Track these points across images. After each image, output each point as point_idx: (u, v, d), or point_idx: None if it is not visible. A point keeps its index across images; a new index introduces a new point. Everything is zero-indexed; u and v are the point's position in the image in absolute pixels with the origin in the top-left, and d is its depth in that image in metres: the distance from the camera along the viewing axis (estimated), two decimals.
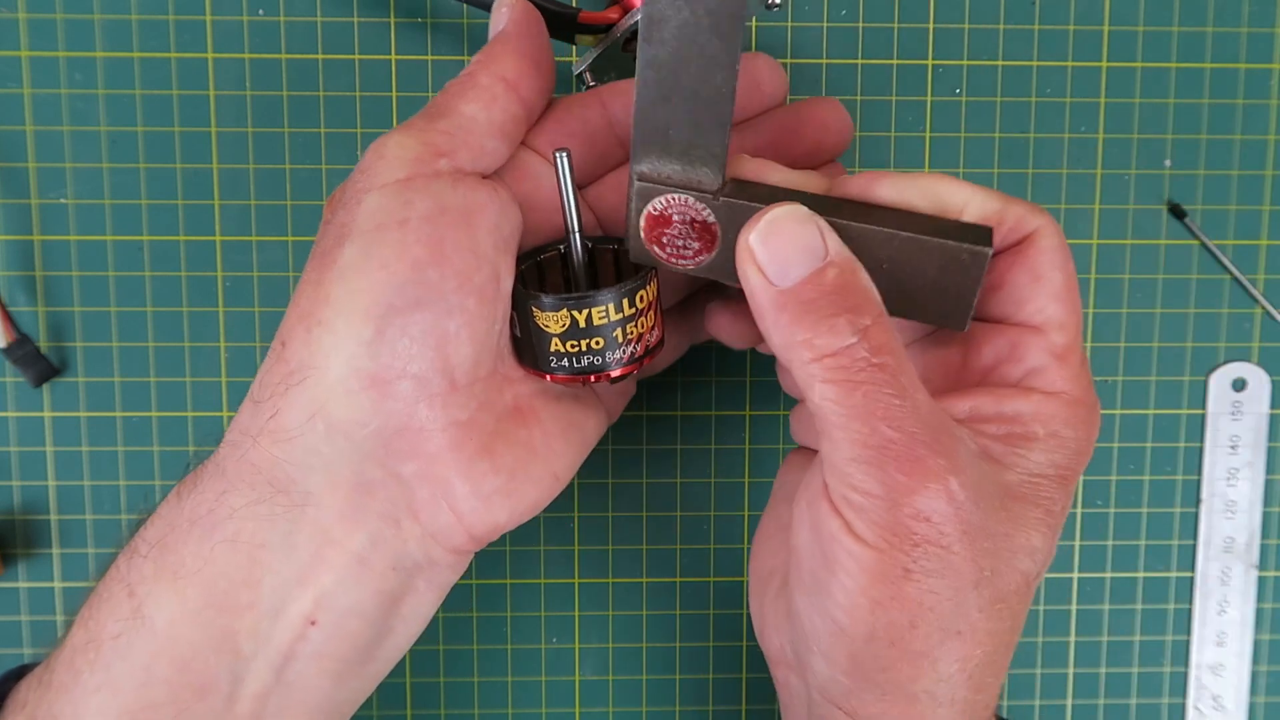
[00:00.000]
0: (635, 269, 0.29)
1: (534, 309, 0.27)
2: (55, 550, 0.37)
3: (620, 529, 0.38)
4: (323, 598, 0.26)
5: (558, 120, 0.30)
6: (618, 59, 0.33)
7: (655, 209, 0.27)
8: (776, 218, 0.25)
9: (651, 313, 0.28)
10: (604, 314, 0.27)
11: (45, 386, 0.36)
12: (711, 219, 0.26)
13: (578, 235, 0.28)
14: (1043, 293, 0.26)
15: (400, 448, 0.26)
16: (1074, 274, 0.26)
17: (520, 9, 0.29)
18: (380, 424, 0.25)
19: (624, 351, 0.28)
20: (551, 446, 0.28)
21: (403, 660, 0.38)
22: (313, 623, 0.26)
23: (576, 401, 0.30)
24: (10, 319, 0.35)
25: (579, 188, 0.30)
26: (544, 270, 0.30)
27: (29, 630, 0.37)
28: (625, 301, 0.27)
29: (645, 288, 0.28)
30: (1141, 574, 0.38)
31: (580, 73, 0.33)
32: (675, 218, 0.27)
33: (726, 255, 0.26)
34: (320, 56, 0.35)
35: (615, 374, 0.28)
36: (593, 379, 0.28)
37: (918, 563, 0.24)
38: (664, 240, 0.27)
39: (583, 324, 0.27)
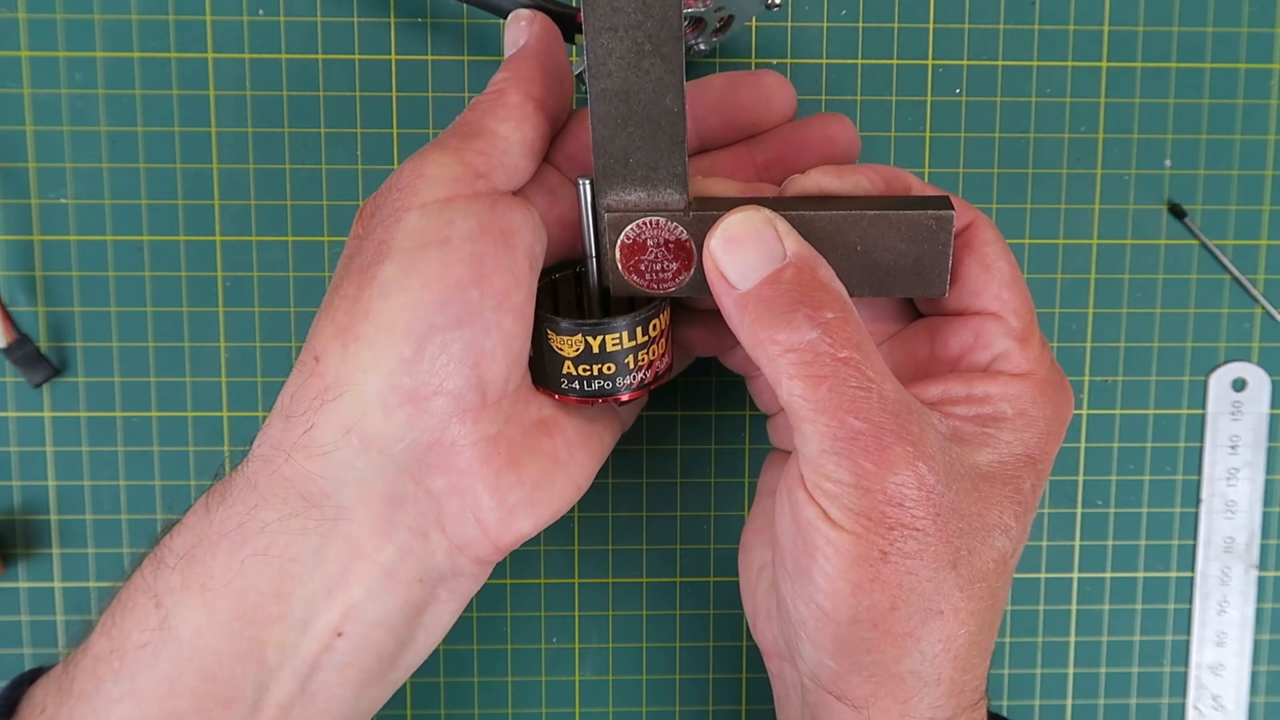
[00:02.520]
0: (648, 297, 0.29)
1: (549, 331, 0.28)
2: (55, 550, 0.37)
3: (620, 529, 0.38)
4: (351, 610, 0.26)
5: (572, 135, 0.30)
6: None
7: (629, 237, 0.27)
8: (733, 223, 0.26)
9: (663, 340, 0.29)
10: (617, 341, 0.28)
11: (45, 386, 0.36)
12: (685, 235, 0.27)
13: (596, 261, 0.29)
14: (994, 281, 0.27)
15: (432, 462, 0.26)
16: (1015, 263, 0.28)
17: (540, 23, 0.29)
18: (414, 439, 0.26)
19: (634, 377, 0.28)
20: (574, 456, 0.29)
21: None
22: (340, 634, 0.26)
23: (594, 413, 0.30)
24: (10, 319, 0.35)
25: None
26: (557, 289, 0.30)
27: (29, 630, 0.37)
28: (639, 329, 0.28)
29: (659, 316, 0.28)
30: (1141, 574, 0.38)
31: (580, 73, 0.33)
32: (649, 242, 0.27)
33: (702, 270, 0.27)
34: (320, 56, 0.35)
35: (624, 398, 0.29)
36: (600, 401, 0.28)
37: (894, 545, 0.24)
38: (642, 267, 0.28)
39: (596, 349, 0.28)
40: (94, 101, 0.35)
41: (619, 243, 0.27)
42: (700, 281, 0.27)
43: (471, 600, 0.37)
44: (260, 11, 0.35)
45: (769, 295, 0.25)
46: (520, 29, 0.29)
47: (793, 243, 0.26)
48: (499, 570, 0.37)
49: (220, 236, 0.36)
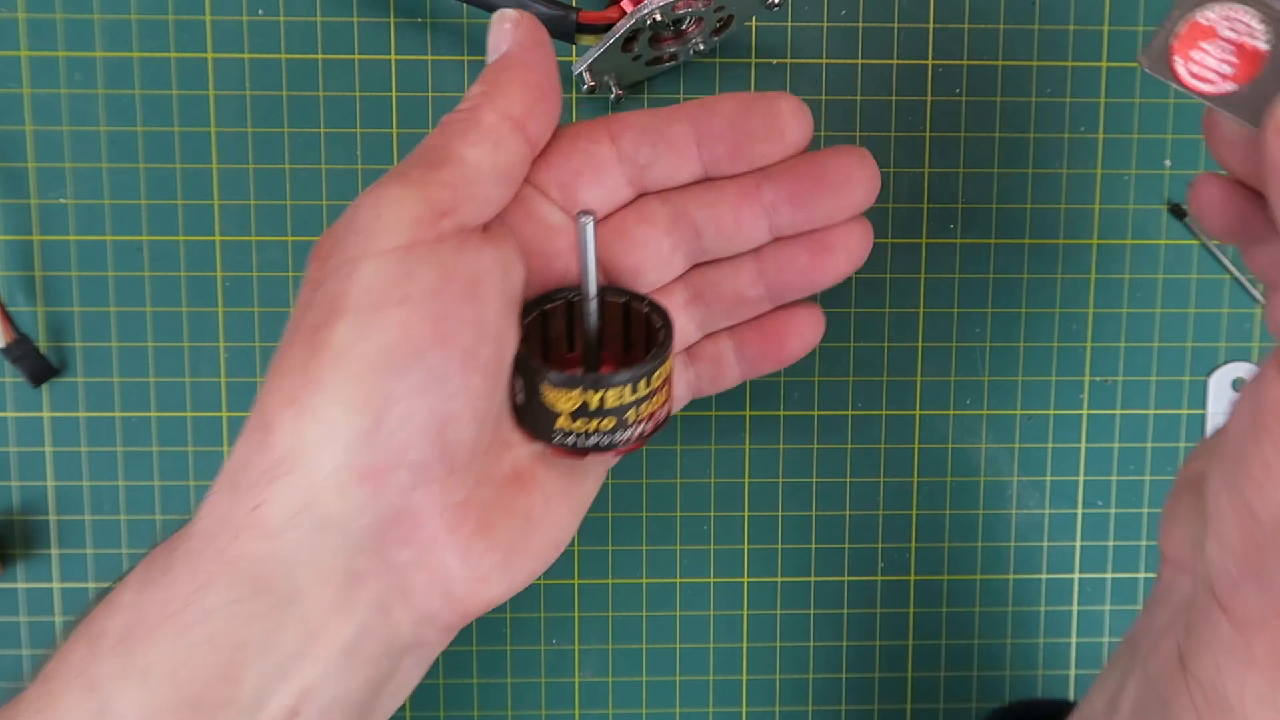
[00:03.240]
0: (644, 333, 0.27)
1: (542, 385, 0.25)
2: (54, 551, 0.37)
3: (620, 529, 0.38)
4: (307, 692, 0.24)
5: (563, 154, 0.27)
6: (617, 59, 0.33)
7: (1207, 18, 0.24)
8: None
9: (665, 389, 0.27)
10: (619, 396, 0.25)
11: (45, 386, 0.36)
12: (1265, 46, 0.24)
13: (594, 301, 0.27)
14: None
15: (394, 536, 0.24)
16: None
17: (526, 26, 0.26)
18: (374, 515, 0.23)
19: (634, 431, 0.26)
20: (552, 512, 0.27)
21: None
22: (295, 715, 0.24)
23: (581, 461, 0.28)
24: (10, 319, 0.35)
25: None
26: (548, 321, 0.28)
27: (27, 631, 0.37)
28: (643, 382, 0.26)
29: (663, 365, 0.26)
30: (1143, 575, 0.38)
31: (580, 73, 0.33)
32: (1224, 33, 0.24)
33: (1261, 92, 0.23)
34: (320, 56, 0.35)
35: (621, 451, 0.27)
36: (592, 454, 0.27)
37: None
38: (1193, 55, 0.24)
39: (594, 406, 0.25)
40: (94, 101, 0.35)
41: (1192, 19, 0.24)
42: (1245, 101, 0.24)
43: None
44: (260, 11, 0.35)
45: None
46: (503, 33, 0.26)
47: None
48: None
49: (220, 236, 0.36)
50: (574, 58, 0.35)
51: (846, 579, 0.38)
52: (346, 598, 0.24)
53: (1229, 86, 0.24)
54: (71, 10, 0.35)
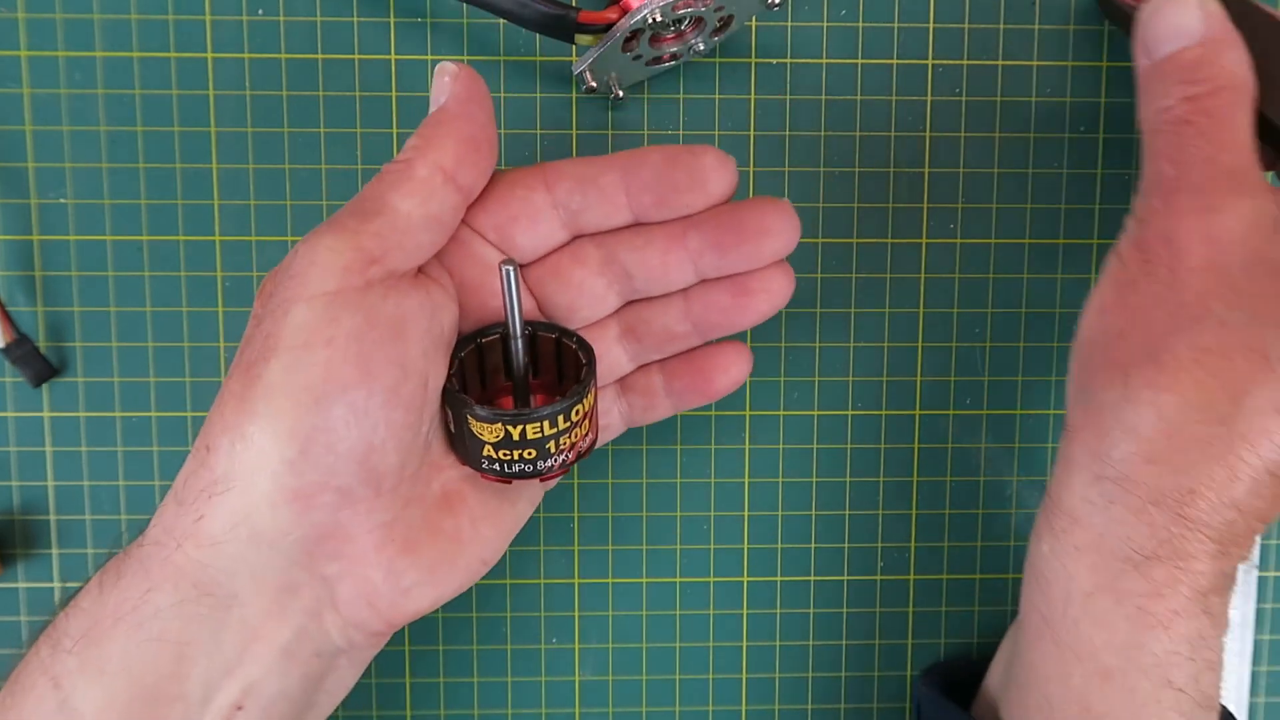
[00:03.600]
0: (576, 365, 0.29)
1: (469, 417, 0.28)
2: (54, 550, 0.37)
3: (620, 529, 0.38)
4: (250, 687, 0.27)
5: (500, 201, 0.29)
6: (617, 59, 0.33)
7: None
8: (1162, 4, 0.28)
9: (586, 422, 0.29)
10: (539, 430, 0.28)
11: (45, 386, 0.36)
12: None
13: (520, 341, 0.29)
14: None
15: (324, 552, 0.26)
16: None
17: (463, 80, 0.28)
18: (304, 533, 0.26)
19: (555, 460, 0.28)
20: (479, 533, 0.29)
21: (402, 660, 0.38)
22: (240, 708, 0.27)
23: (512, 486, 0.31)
24: (10, 319, 0.35)
25: (523, 266, 0.30)
26: (484, 354, 0.30)
27: (28, 631, 0.37)
28: (561, 417, 0.28)
29: (582, 401, 0.28)
30: None
31: (580, 73, 0.33)
32: None
33: None
34: (320, 56, 0.35)
35: (546, 479, 0.29)
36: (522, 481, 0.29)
37: (1147, 277, 0.26)
38: None
39: (516, 437, 0.27)
40: (94, 101, 0.35)
41: None
42: None
43: (471, 601, 0.37)
44: (260, 11, 0.35)
45: (1166, 71, 0.27)
46: (442, 85, 0.28)
47: (1214, 25, 0.27)
48: (499, 571, 0.37)
49: (220, 236, 0.36)
50: (573, 58, 0.35)
51: (846, 579, 0.38)
52: (282, 604, 0.26)
53: None
54: (71, 10, 0.35)
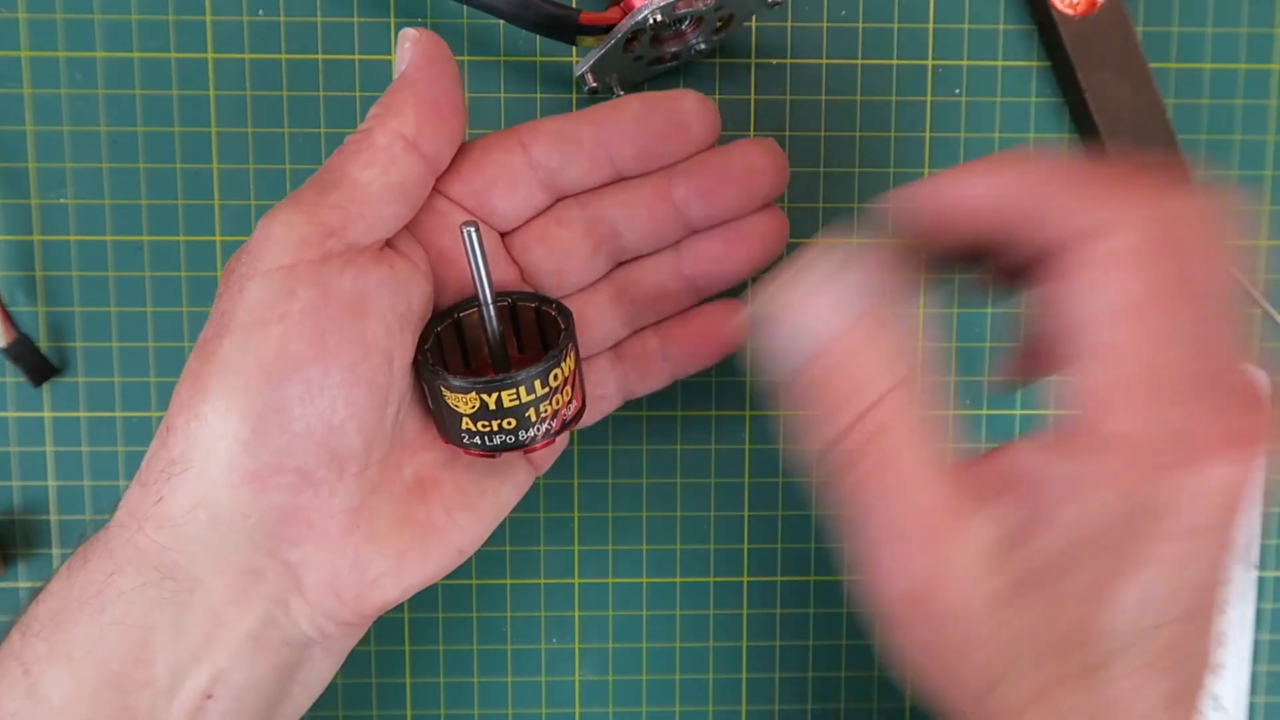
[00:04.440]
0: (556, 332, 0.28)
1: (443, 389, 0.27)
2: (55, 550, 0.37)
3: (620, 529, 0.38)
4: (219, 675, 0.26)
5: (474, 166, 0.28)
6: (618, 60, 0.33)
7: None
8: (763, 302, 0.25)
9: (568, 388, 0.28)
10: (514, 397, 0.26)
11: (45, 386, 0.36)
12: None
13: (491, 308, 0.27)
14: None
15: (286, 536, 0.26)
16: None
17: (424, 44, 0.27)
18: (263, 515, 0.25)
19: (539, 429, 0.27)
20: (455, 522, 0.28)
21: (402, 660, 0.38)
22: (209, 696, 0.26)
23: (489, 468, 0.29)
24: (10, 319, 0.35)
25: (505, 234, 0.30)
26: (462, 329, 0.29)
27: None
28: (538, 383, 0.27)
29: (560, 365, 0.27)
30: None
31: (581, 74, 0.33)
32: None
33: None
34: (320, 57, 0.35)
35: (531, 450, 0.28)
36: (505, 454, 0.28)
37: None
38: None
39: (493, 406, 0.26)
40: (94, 101, 0.35)
41: None
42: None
43: (471, 601, 0.37)
44: (260, 11, 0.35)
45: (802, 387, 0.24)
46: (403, 52, 0.27)
47: (829, 324, 0.24)
48: (499, 570, 0.37)
49: (220, 236, 0.36)
50: (574, 58, 0.35)
51: (846, 578, 0.38)
52: (245, 589, 0.26)
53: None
54: (71, 10, 0.35)
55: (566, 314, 0.28)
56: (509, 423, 0.27)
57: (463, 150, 0.28)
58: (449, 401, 0.27)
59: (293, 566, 0.26)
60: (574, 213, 0.30)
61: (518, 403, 0.26)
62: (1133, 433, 0.21)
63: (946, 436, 0.23)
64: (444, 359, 0.29)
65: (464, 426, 0.27)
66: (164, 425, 0.25)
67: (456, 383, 0.26)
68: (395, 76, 0.27)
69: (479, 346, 0.30)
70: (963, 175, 0.24)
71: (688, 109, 0.28)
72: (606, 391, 0.32)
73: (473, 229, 0.26)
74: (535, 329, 0.30)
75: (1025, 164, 0.23)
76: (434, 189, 0.28)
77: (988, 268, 0.26)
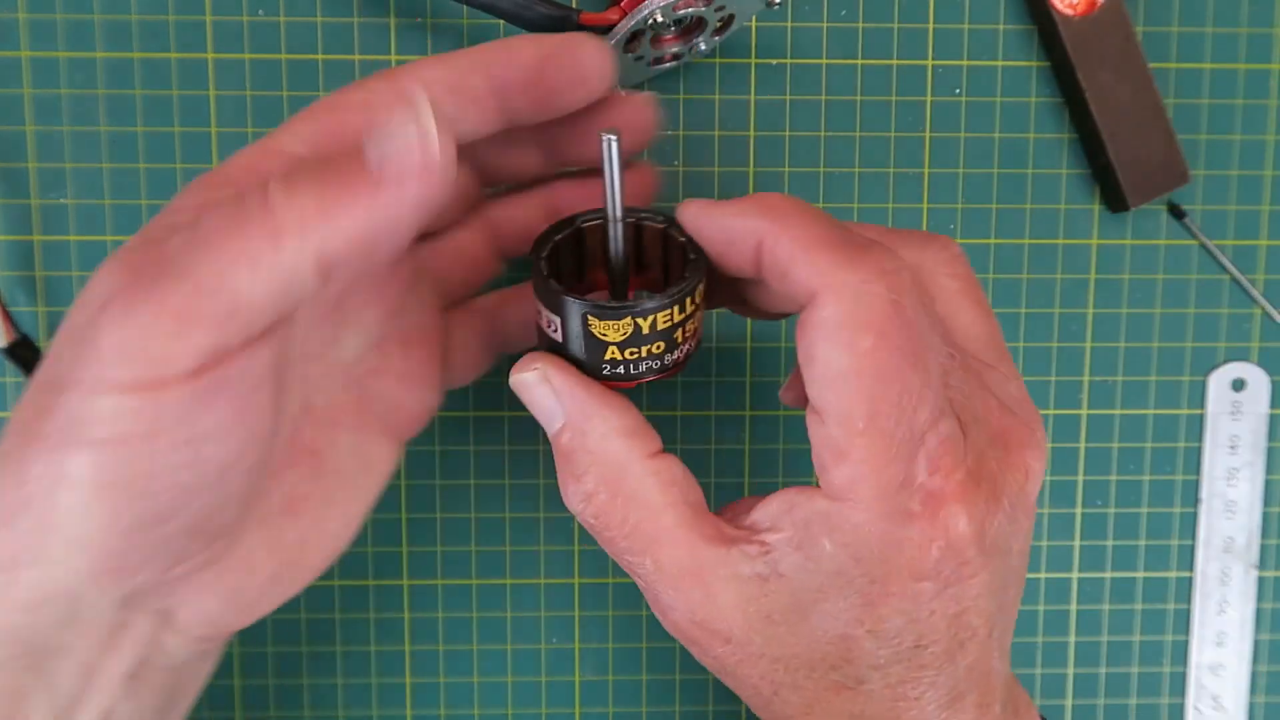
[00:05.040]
0: (681, 260, 0.27)
1: (589, 318, 0.25)
2: None
3: None
4: (105, 714, 0.24)
5: (366, 123, 0.23)
6: (618, 60, 0.33)
7: None
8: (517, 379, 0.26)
9: (703, 304, 0.27)
10: (669, 317, 0.25)
11: None
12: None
13: (620, 225, 0.26)
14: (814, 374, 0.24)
15: (154, 596, 0.24)
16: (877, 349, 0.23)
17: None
18: (126, 593, 0.23)
19: (681, 351, 0.26)
20: (325, 529, 0.27)
21: (402, 660, 0.38)
22: None
23: (355, 458, 0.27)
24: (10, 319, 0.35)
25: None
26: (583, 239, 0.27)
27: None
28: (689, 300, 0.25)
29: (702, 283, 0.26)
30: (1141, 574, 0.38)
31: None
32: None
33: None
34: (320, 57, 0.35)
35: (671, 374, 0.26)
36: (647, 380, 0.26)
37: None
38: None
39: (646, 330, 0.25)
40: (94, 101, 0.35)
41: None
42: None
43: (471, 600, 0.37)
44: (260, 11, 0.35)
45: (557, 452, 0.26)
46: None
47: (569, 401, 0.25)
48: (499, 570, 0.37)
49: None
50: None
51: None
52: (115, 641, 0.24)
53: None
54: (71, 10, 0.35)
55: (696, 245, 0.27)
56: (658, 346, 0.25)
57: (338, 108, 0.25)
58: (595, 330, 0.25)
59: (164, 612, 0.25)
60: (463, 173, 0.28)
61: (670, 323, 0.25)
62: (854, 484, 0.23)
63: (696, 489, 0.26)
64: (559, 273, 0.27)
65: (608, 356, 0.25)
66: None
67: (609, 308, 0.24)
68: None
69: (594, 262, 0.28)
70: (721, 207, 0.25)
71: (587, 60, 0.26)
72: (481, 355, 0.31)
73: (614, 138, 0.25)
74: (659, 253, 0.28)
75: (779, 211, 0.24)
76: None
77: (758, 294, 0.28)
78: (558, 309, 0.25)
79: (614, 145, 0.25)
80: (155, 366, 0.21)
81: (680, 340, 0.26)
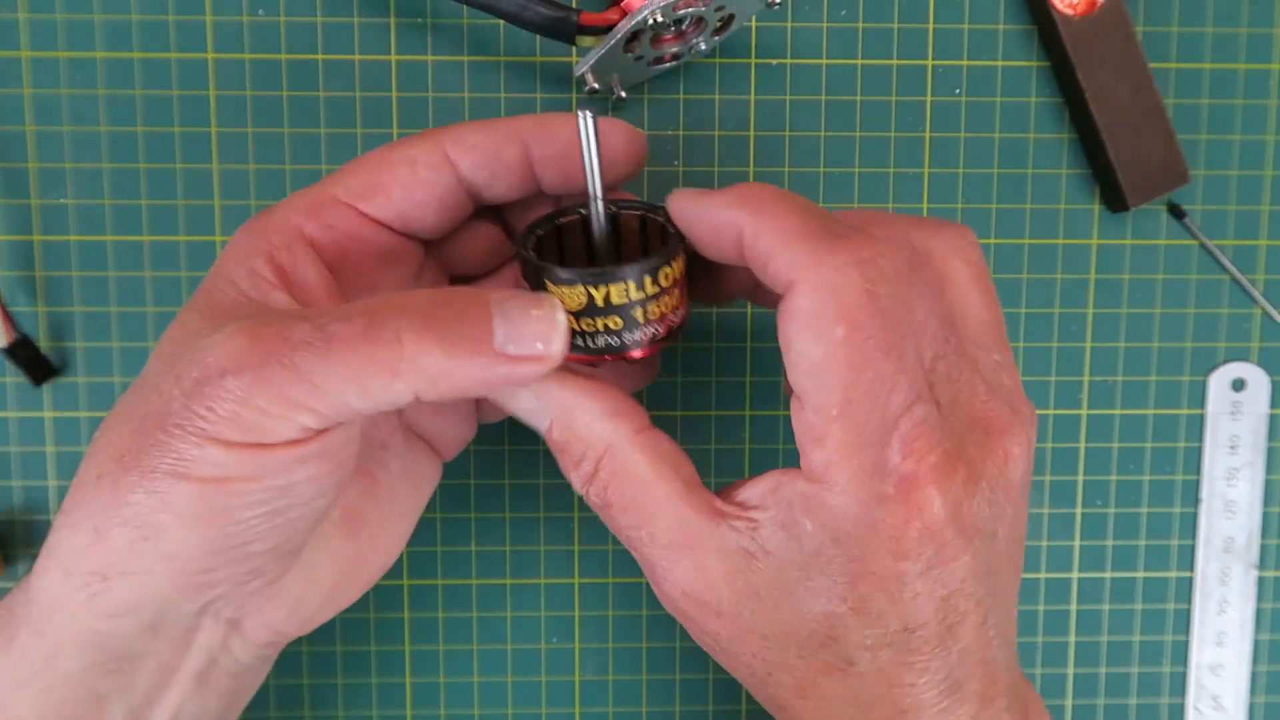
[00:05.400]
0: (662, 240, 0.27)
1: (548, 282, 0.25)
2: None
3: None
4: (175, 712, 0.27)
5: (405, 186, 0.27)
6: (619, 60, 0.33)
7: None
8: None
9: (677, 290, 0.27)
10: (624, 292, 0.25)
11: (45, 386, 0.36)
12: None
13: (600, 203, 0.26)
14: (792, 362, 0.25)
15: (228, 604, 0.26)
16: (850, 339, 0.24)
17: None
18: (202, 604, 0.25)
19: (644, 333, 0.26)
20: (379, 545, 0.29)
21: (403, 660, 0.38)
22: None
23: (405, 478, 0.30)
24: (10, 319, 0.35)
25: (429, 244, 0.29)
26: (563, 237, 0.28)
27: None
28: (648, 279, 0.25)
29: (670, 264, 0.26)
30: (1141, 574, 0.38)
31: (581, 74, 0.33)
32: None
33: None
34: (320, 57, 0.35)
35: (635, 355, 0.26)
36: (609, 359, 0.26)
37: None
38: None
39: (600, 302, 0.25)
40: (94, 101, 0.35)
41: None
42: None
43: (471, 600, 0.37)
44: (260, 11, 0.35)
45: (552, 447, 0.27)
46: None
47: (549, 399, 0.26)
48: (499, 570, 0.37)
49: (220, 237, 0.36)
50: (574, 59, 0.35)
51: None
52: (188, 642, 0.26)
53: None
54: (71, 10, 0.35)
55: (671, 220, 0.27)
56: (615, 322, 0.25)
57: (386, 163, 0.27)
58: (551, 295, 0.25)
59: (234, 620, 0.27)
60: (492, 227, 0.31)
61: (626, 300, 0.25)
62: (829, 468, 0.24)
63: (687, 464, 0.26)
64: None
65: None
66: (88, 524, 0.24)
67: (564, 274, 0.25)
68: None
69: (577, 257, 0.28)
70: (706, 198, 0.26)
71: (621, 145, 0.28)
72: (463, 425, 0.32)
73: (589, 114, 0.25)
74: (637, 238, 0.28)
75: (758, 202, 0.25)
76: (356, 210, 0.27)
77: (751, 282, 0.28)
78: (529, 277, 0.26)
79: (589, 121, 0.25)
80: (262, 435, 0.23)
81: (643, 321, 0.26)
